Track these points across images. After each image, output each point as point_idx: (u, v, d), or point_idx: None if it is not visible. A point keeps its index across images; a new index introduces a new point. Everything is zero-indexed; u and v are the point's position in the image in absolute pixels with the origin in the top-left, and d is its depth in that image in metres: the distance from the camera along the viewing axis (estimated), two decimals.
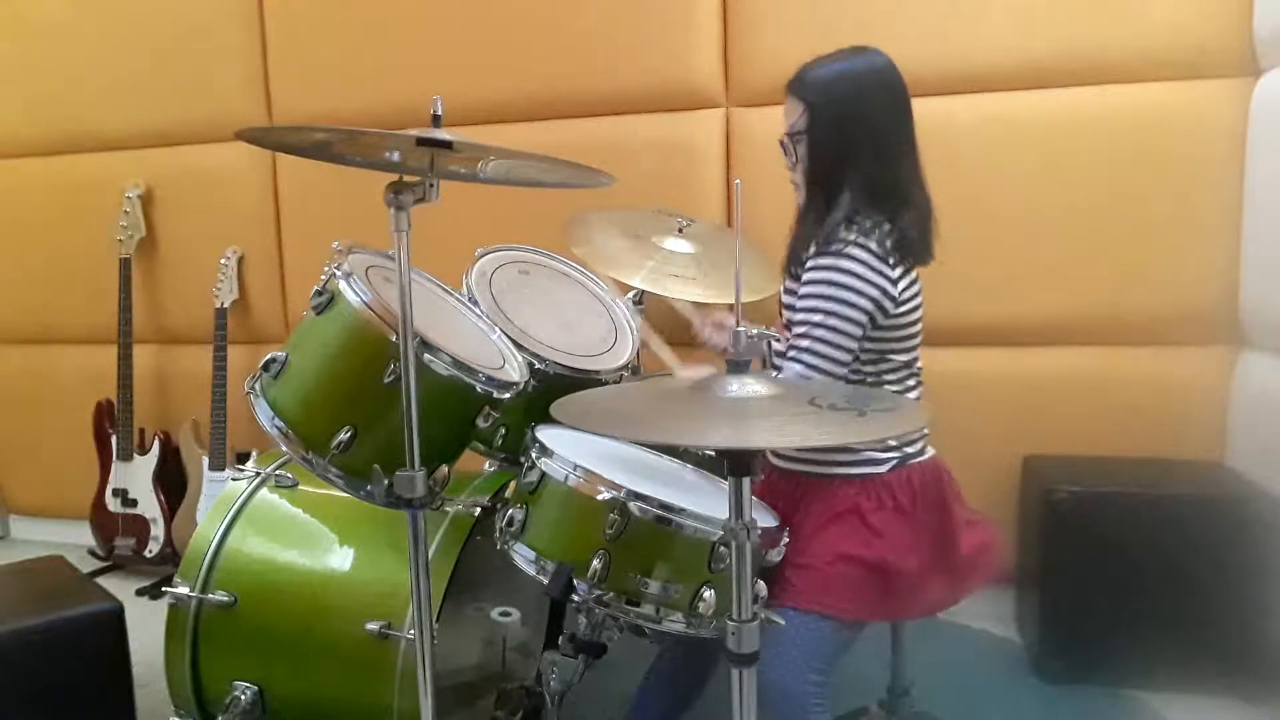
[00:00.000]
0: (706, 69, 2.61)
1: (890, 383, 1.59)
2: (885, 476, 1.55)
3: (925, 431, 1.62)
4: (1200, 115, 2.32)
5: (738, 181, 1.25)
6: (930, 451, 1.62)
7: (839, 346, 1.48)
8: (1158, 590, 2.08)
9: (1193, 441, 2.36)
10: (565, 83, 2.70)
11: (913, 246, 1.53)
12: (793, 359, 1.50)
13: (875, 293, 1.47)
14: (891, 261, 1.49)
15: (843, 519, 1.53)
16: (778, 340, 1.80)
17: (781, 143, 1.62)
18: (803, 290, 1.52)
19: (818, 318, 1.48)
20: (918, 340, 1.60)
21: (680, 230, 2.28)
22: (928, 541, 1.54)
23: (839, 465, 1.57)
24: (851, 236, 1.48)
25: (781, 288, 1.68)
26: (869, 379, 1.58)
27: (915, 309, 1.56)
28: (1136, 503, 2.13)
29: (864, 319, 1.48)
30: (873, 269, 1.47)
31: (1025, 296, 2.46)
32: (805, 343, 1.49)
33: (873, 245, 1.48)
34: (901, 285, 1.51)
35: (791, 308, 1.59)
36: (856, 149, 1.53)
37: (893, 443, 1.56)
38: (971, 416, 2.46)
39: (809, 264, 1.53)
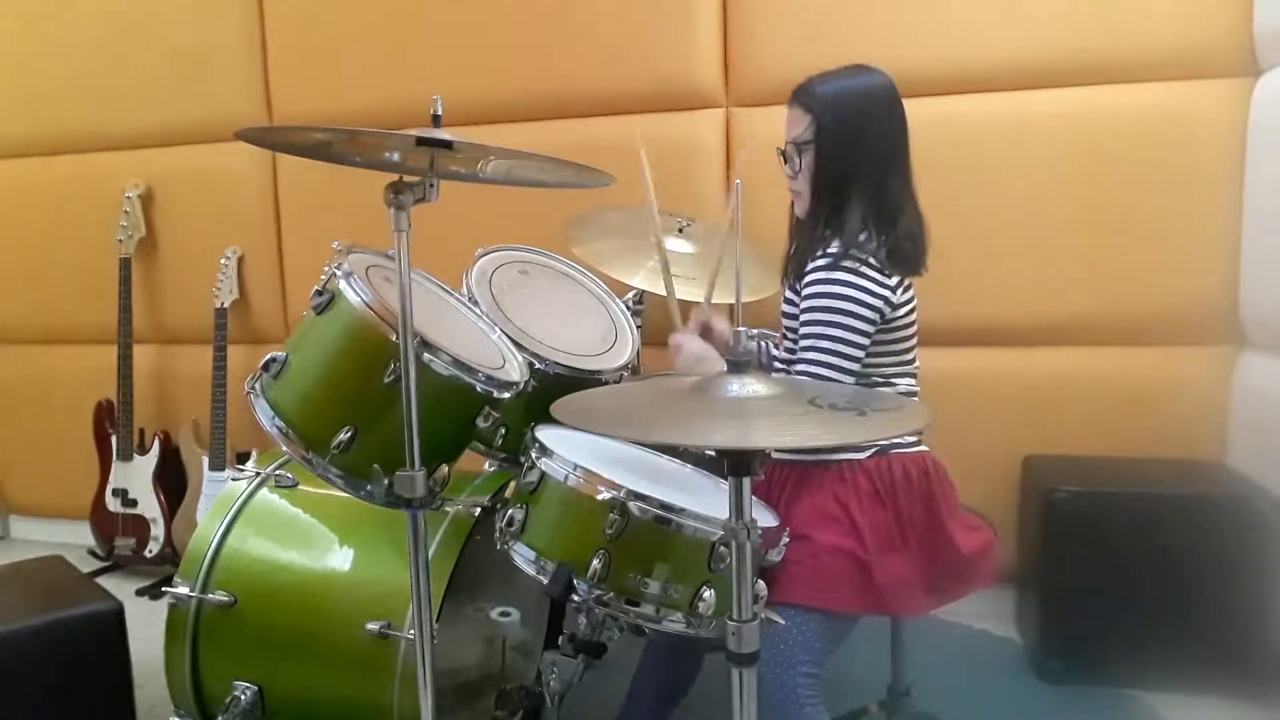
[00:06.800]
0: (706, 69, 2.61)
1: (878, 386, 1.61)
2: (863, 463, 1.56)
3: None
4: (1200, 115, 2.32)
5: (738, 181, 1.25)
6: (921, 447, 1.63)
7: (847, 356, 1.50)
8: (1158, 590, 2.08)
9: (1193, 441, 2.36)
10: (565, 83, 2.70)
11: (908, 259, 1.57)
12: (801, 371, 1.52)
13: (878, 301, 1.52)
14: (887, 271, 1.53)
15: (822, 510, 1.54)
16: (775, 343, 1.81)
17: (784, 151, 1.64)
18: (807, 303, 1.54)
19: (825, 329, 1.50)
20: (911, 344, 1.63)
21: (680, 230, 2.28)
22: (913, 534, 1.55)
23: (818, 453, 1.58)
24: (855, 250, 1.52)
25: (782, 296, 1.69)
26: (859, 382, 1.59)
27: (909, 313, 1.60)
28: (1136, 503, 2.13)
29: (869, 328, 1.52)
30: (872, 279, 1.51)
31: (1025, 297, 2.46)
32: (813, 354, 1.51)
33: (870, 258, 1.52)
34: (899, 291, 1.56)
35: (794, 317, 1.61)
36: (861, 165, 1.57)
37: None
38: (971, 416, 2.46)
39: (811, 276, 1.54)
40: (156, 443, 3.01)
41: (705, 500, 1.43)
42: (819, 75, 1.63)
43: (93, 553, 3.10)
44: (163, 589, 1.75)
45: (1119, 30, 2.34)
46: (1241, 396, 2.30)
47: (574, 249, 2.10)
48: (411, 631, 1.50)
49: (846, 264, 1.51)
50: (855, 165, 1.57)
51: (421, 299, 1.37)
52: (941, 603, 1.58)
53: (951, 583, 1.58)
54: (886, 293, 1.53)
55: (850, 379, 1.52)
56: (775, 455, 1.63)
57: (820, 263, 1.53)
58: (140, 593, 2.88)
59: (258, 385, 1.46)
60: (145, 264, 3.12)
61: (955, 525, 1.58)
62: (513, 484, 1.59)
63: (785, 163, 1.65)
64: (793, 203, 1.69)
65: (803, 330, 1.54)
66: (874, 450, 1.57)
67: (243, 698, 1.63)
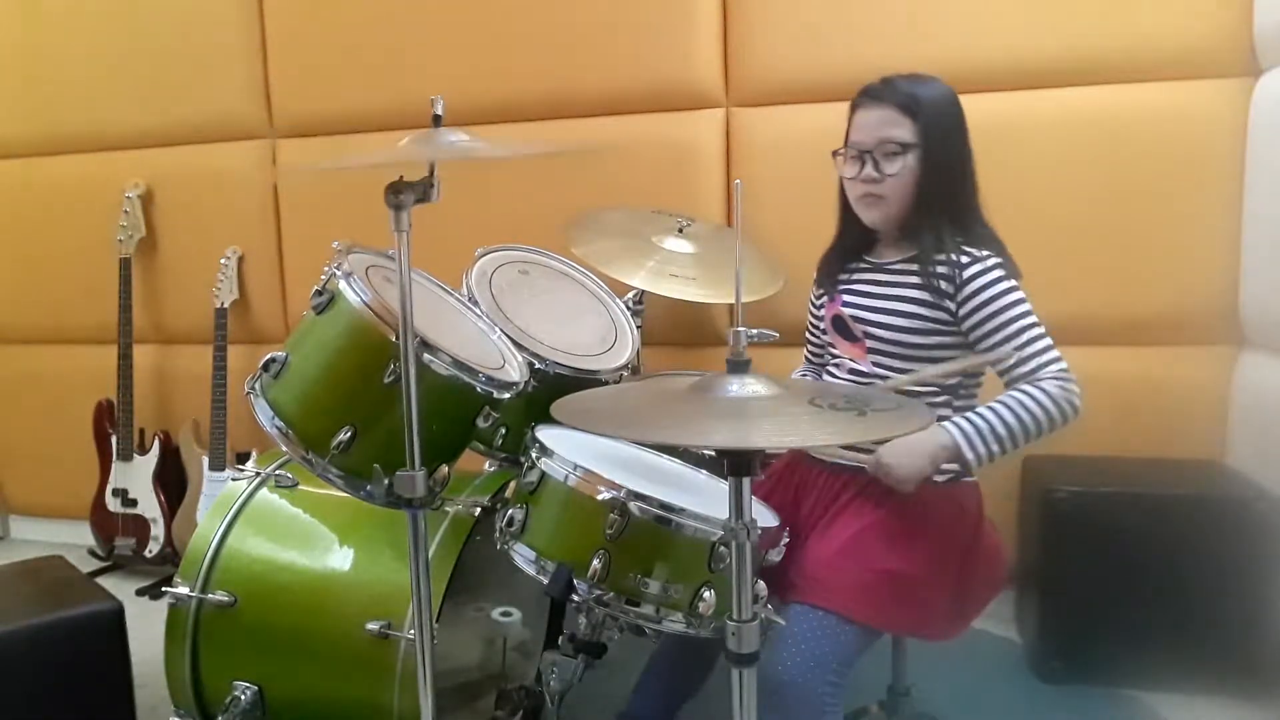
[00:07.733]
0: (706, 69, 2.61)
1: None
2: (937, 487, 1.55)
3: None
4: (1200, 115, 2.32)
5: (738, 182, 1.25)
6: (975, 475, 1.62)
7: None
8: (1157, 590, 2.08)
9: (1193, 441, 2.35)
10: (565, 83, 2.70)
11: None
12: (1050, 378, 1.50)
13: None
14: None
15: (885, 526, 1.51)
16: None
17: (869, 151, 1.56)
18: (999, 304, 1.53)
19: (1033, 319, 1.54)
20: None
21: (680, 230, 2.28)
22: (956, 563, 1.54)
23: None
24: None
25: (811, 299, 1.71)
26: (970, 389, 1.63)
27: None
28: (1136, 503, 2.13)
29: None
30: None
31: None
32: (1051, 354, 1.53)
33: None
34: None
35: (820, 319, 1.65)
36: (966, 175, 1.59)
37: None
38: None
39: (981, 276, 1.53)
40: (156, 443, 3.01)
41: (706, 500, 1.43)
42: (898, 76, 1.56)
43: (93, 553, 3.10)
44: (163, 589, 1.75)
45: (1119, 30, 2.33)
46: (1241, 396, 2.30)
47: (574, 249, 2.10)
48: (411, 631, 1.50)
49: (1003, 258, 1.56)
50: (963, 175, 1.58)
51: (421, 299, 1.37)
52: (968, 623, 1.58)
53: (974, 608, 1.59)
54: None
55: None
56: (833, 462, 1.62)
57: (991, 263, 1.54)
58: (140, 593, 2.88)
59: (258, 385, 1.46)
60: (145, 264, 3.11)
61: (985, 547, 1.59)
62: (513, 484, 1.59)
63: (866, 166, 1.56)
64: (848, 204, 1.65)
65: (1024, 335, 1.52)
66: (950, 476, 1.57)
67: (243, 698, 1.64)
